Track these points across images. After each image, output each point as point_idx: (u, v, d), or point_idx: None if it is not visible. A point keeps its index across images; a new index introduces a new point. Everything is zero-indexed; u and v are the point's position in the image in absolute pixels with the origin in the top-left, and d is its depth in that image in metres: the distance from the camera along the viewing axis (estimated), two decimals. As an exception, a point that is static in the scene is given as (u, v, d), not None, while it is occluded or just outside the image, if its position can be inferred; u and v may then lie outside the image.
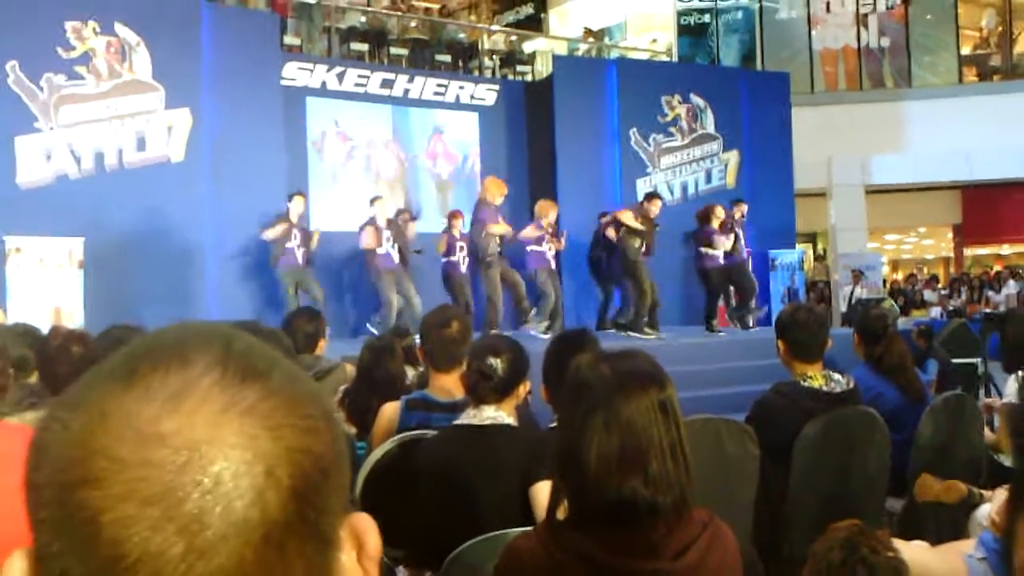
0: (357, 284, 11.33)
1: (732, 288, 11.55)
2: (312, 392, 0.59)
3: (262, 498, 0.53)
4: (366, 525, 0.61)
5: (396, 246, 10.06)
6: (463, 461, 2.62)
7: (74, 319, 8.60)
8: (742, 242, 11.47)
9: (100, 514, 0.50)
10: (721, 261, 11.00)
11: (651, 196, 10.58)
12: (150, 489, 0.51)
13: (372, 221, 10.02)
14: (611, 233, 10.61)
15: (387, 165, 12.73)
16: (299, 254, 9.82)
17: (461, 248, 10.16)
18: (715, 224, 10.96)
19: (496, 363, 2.69)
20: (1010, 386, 4.50)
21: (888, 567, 1.88)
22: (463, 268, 10.21)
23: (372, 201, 10.29)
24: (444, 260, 10.26)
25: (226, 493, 0.52)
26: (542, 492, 2.37)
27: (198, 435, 0.52)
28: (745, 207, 12.08)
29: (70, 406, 0.54)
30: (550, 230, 10.33)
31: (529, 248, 10.23)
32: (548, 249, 10.25)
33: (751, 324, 11.52)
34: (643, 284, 10.16)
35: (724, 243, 10.90)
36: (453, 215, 10.43)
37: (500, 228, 9.79)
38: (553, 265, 10.45)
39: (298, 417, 0.56)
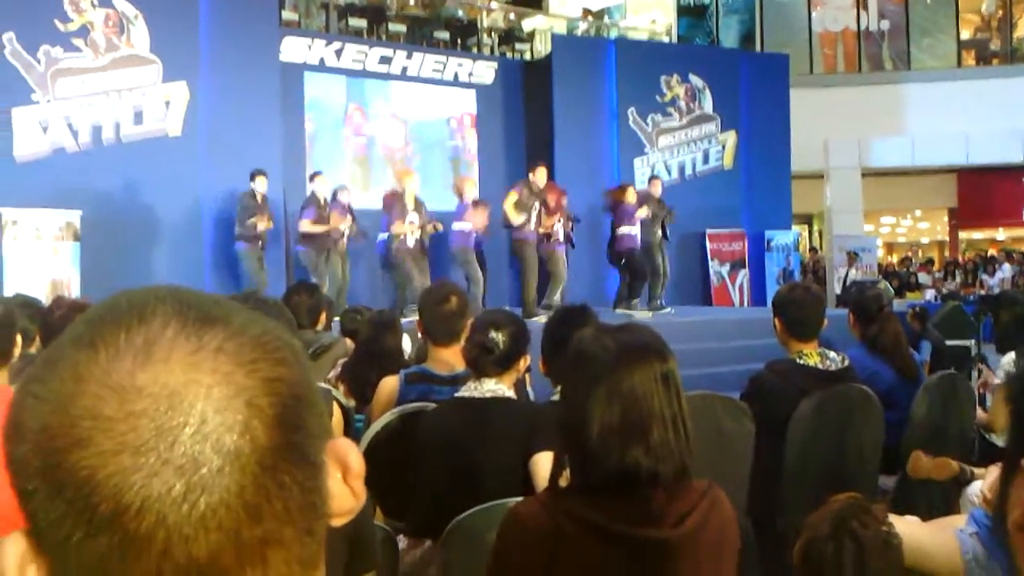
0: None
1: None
2: (274, 328, 0.60)
3: (249, 428, 0.55)
4: (347, 447, 0.63)
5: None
6: (464, 432, 2.65)
7: (70, 292, 8.60)
8: (660, 221, 10.95)
9: (96, 472, 0.51)
10: (639, 243, 10.39)
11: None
12: (140, 439, 0.52)
13: (313, 199, 9.79)
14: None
15: (383, 143, 12.71)
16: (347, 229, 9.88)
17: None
18: (631, 201, 10.34)
19: (498, 337, 2.72)
20: (1004, 367, 4.54)
21: (877, 540, 1.89)
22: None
23: (312, 177, 9.94)
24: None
25: (215, 428, 0.54)
26: (542, 463, 2.41)
27: (175, 380, 0.54)
28: (660, 183, 11.29)
29: (41, 378, 0.55)
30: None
31: (455, 226, 9.80)
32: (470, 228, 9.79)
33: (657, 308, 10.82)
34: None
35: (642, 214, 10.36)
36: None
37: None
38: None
39: (267, 351, 0.58)
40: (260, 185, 9.69)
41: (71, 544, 0.52)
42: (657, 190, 11.11)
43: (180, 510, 0.52)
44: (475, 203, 9.93)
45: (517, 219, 9.56)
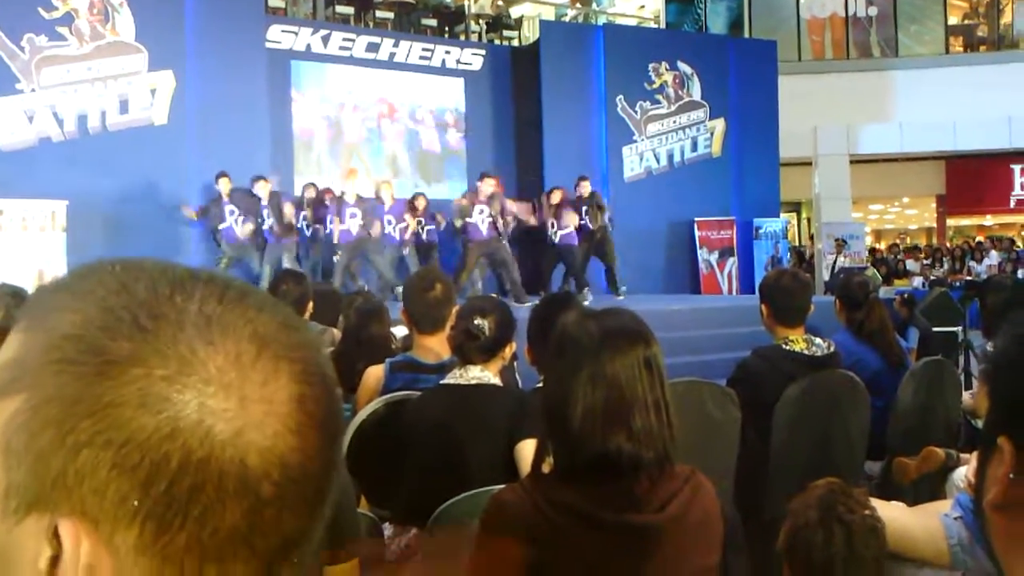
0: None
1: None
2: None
3: None
4: None
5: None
6: (449, 420, 2.65)
7: (57, 282, 8.55)
8: (593, 219, 11.09)
9: None
10: (574, 240, 10.83)
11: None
12: None
13: (218, 200, 9.75)
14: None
15: (369, 132, 12.67)
16: (237, 230, 9.71)
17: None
18: (554, 202, 10.84)
19: (483, 323, 2.71)
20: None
21: (864, 525, 1.90)
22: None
23: (216, 178, 9.78)
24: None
25: None
26: (526, 450, 2.40)
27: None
28: (587, 184, 11.38)
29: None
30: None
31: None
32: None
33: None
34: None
35: (571, 220, 10.78)
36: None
37: None
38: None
39: None
40: (223, 186, 9.73)
41: None
42: (585, 190, 11.22)
43: None
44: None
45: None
